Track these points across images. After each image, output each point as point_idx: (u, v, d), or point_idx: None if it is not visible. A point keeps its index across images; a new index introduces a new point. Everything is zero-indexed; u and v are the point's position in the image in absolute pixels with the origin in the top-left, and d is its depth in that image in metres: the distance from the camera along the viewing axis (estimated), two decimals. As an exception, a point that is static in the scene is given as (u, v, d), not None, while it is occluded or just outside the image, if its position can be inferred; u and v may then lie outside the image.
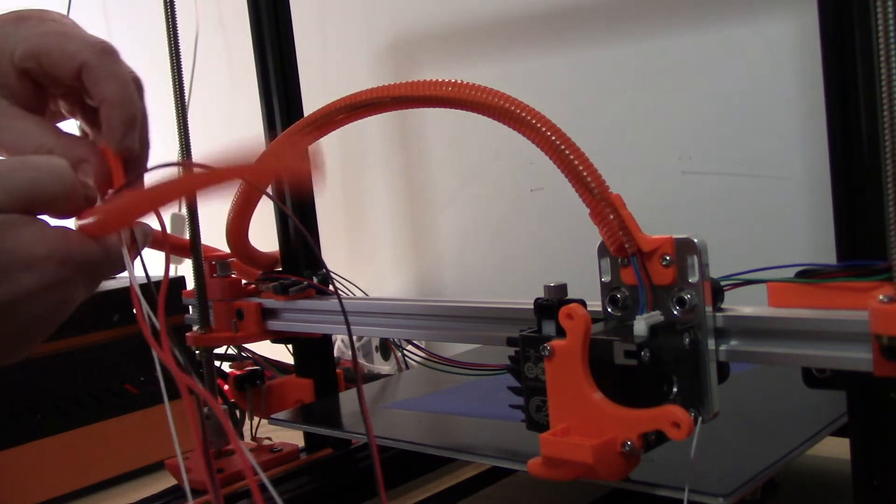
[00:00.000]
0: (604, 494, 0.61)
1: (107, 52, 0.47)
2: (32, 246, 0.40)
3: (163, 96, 0.65)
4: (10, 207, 0.40)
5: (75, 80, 0.47)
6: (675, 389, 0.45)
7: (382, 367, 1.07)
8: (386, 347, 1.08)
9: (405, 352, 1.03)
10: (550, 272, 0.99)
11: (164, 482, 0.77)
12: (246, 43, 0.81)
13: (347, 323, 0.49)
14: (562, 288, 0.49)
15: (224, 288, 0.76)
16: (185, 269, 0.73)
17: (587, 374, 0.45)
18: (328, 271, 0.58)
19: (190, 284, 0.76)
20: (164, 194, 0.43)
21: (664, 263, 0.46)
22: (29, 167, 0.42)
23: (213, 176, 0.42)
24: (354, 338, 1.05)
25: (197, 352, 0.75)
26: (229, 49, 1.35)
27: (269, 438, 0.81)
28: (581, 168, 0.46)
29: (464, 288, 1.13)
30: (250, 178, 0.44)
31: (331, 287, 0.68)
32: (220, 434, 0.75)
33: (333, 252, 1.23)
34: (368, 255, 1.23)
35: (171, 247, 0.47)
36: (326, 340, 0.82)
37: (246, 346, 0.87)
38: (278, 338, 0.78)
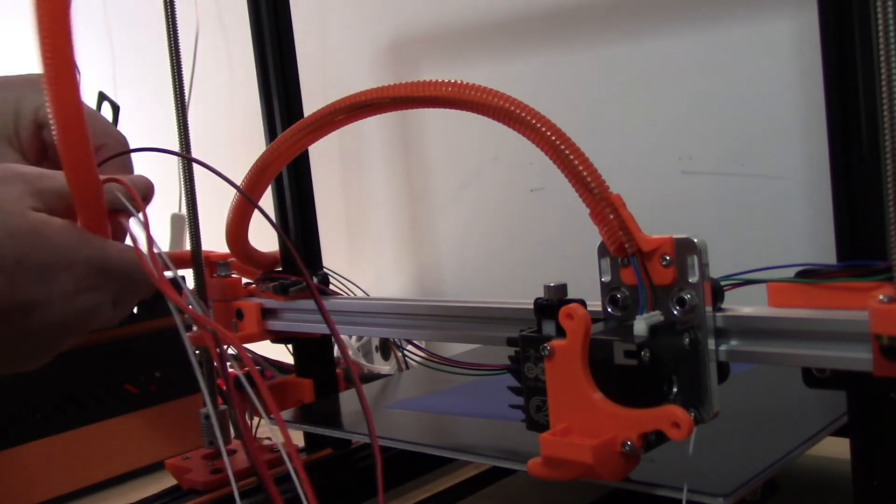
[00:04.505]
0: (604, 494, 0.61)
1: (122, 144, 0.50)
2: (75, 247, 0.41)
3: (163, 96, 0.65)
4: (53, 208, 0.42)
5: None
6: (675, 389, 0.45)
7: (382, 367, 1.07)
8: (386, 347, 1.08)
9: (405, 352, 1.03)
10: (550, 272, 1.00)
11: (164, 482, 0.77)
12: (246, 43, 0.81)
13: (331, 323, 0.49)
14: (562, 288, 0.49)
15: (224, 288, 0.76)
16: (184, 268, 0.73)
17: (587, 374, 0.45)
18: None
19: (190, 284, 0.76)
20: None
21: (664, 263, 0.46)
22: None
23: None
24: (354, 338, 1.05)
25: (197, 352, 0.75)
26: (229, 49, 1.35)
27: (269, 438, 0.81)
28: (581, 168, 0.46)
29: (464, 288, 1.13)
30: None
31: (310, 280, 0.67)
32: (221, 433, 0.75)
33: (333, 252, 1.23)
34: (368, 255, 1.24)
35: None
36: (326, 340, 0.82)
37: (246, 346, 0.87)
38: (278, 338, 0.78)
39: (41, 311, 0.40)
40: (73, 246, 0.41)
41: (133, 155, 0.51)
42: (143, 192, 0.47)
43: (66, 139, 0.41)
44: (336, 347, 1.04)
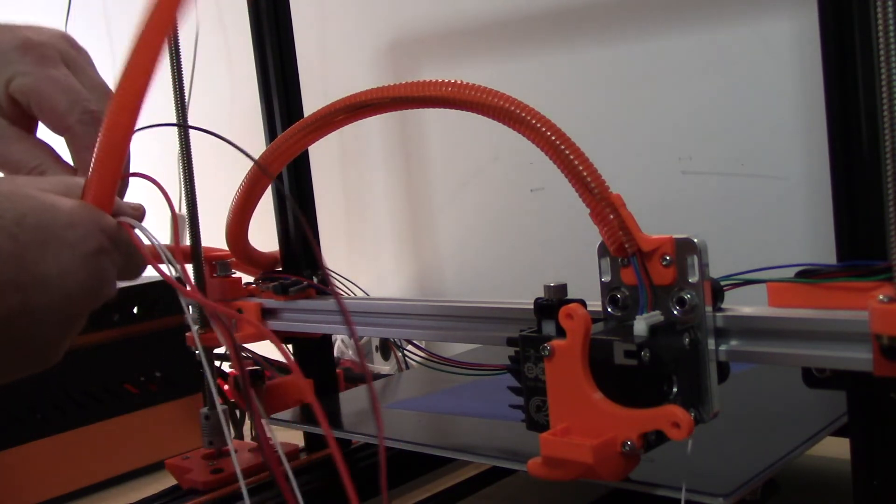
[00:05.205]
0: (604, 494, 0.61)
1: (95, 122, 0.47)
2: (73, 208, 0.41)
3: (163, 96, 0.65)
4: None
5: (59, 134, 0.49)
6: (675, 389, 0.45)
7: (382, 367, 1.07)
8: (386, 347, 1.08)
9: (405, 352, 1.03)
10: (550, 272, 0.99)
11: (164, 482, 0.77)
12: (246, 43, 0.81)
13: (350, 322, 0.49)
14: (562, 288, 0.49)
15: (224, 288, 0.76)
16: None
17: (587, 374, 0.45)
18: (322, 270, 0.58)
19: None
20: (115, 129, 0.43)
21: (664, 263, 0.46)
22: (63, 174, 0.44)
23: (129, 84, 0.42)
24: (354, 338, 1.05)
25: (197, 352, 0.75)
26: (229, 49, 1.35)
27: (270, 438, 0.81)
28: (581, 168, 0.46)
29: (464, 288, 1.13)
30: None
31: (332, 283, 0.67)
32: (221, 433, 0.75)
33: (333, 252, 1.23)
34: (368, 254, 1.23)
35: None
36: (326, 340, 0.82)
37: (246, 346, 0.87)
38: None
39: (51, 280, 0.39)
40: (73, 208, 0.41)
41: (135, 150, 0.51)
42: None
43: (108, 142, 0.42)
44: (335, 347, 1.04)
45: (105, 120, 0.43)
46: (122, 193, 0.48)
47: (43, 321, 0.40)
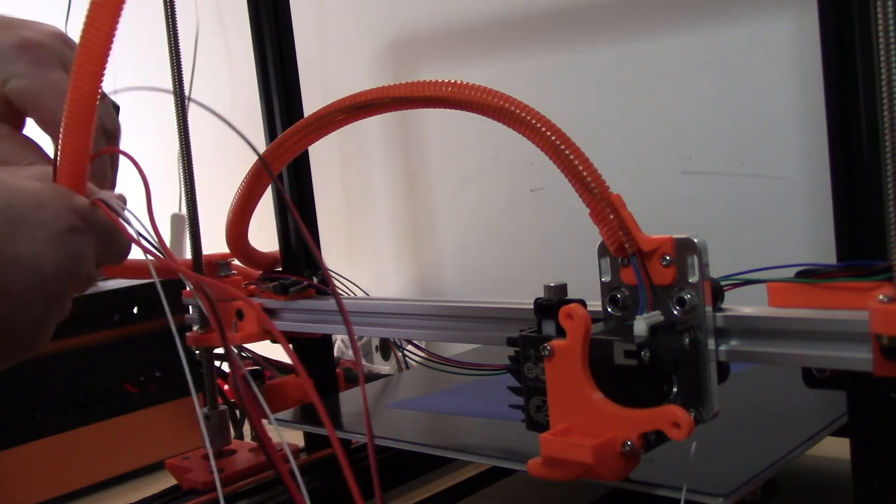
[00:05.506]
0: (604, 494, 0.61)
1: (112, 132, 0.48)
2: (41, 189, 0.40)
3: (163, 96, 0.66)
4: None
5: (55, 140, 0.48)
6: (675, 389, 0.45)
7: (382, 367, 1.07)
8: (386, 347, 1.08)
9: (405, 352, 1.03)
10: (550, 272, 0.99)
11: (164, 482, 0.77)
12: (246, 43, 0.81)
13: (348, 322, 0.48)
14: (562, 288, 0.49)
15: (224, 288, 0.76)
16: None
17: (587, 374, 0.45)
18: (325, 270, 0.58)
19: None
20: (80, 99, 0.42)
21: (664, 263, 0.46)
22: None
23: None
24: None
25: (197, 352, 0.75)
26: (229, 49, 1.35)
27: (271, 437, 0.81)
28: (581, 168, 0.46)
29: (464, 288, 1.13)
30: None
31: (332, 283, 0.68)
32: (221, 433, 0.75)
33: (333, 252, 1.23)
34: (368, 254, 1.23)
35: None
36: (326, 340, 0.82)
37: (246, 346, 0.87)
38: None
39: (24, 261, 0.39)
40: (41, 189, 0.40)
41: (135, 151, 0.50)
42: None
43: (73, 118, 0.42)
44: (336, 347, 1.04)
45: (66, 101, 0.42)
46: (104, 182, 0.48)
47: (22, 304, 0.40)
